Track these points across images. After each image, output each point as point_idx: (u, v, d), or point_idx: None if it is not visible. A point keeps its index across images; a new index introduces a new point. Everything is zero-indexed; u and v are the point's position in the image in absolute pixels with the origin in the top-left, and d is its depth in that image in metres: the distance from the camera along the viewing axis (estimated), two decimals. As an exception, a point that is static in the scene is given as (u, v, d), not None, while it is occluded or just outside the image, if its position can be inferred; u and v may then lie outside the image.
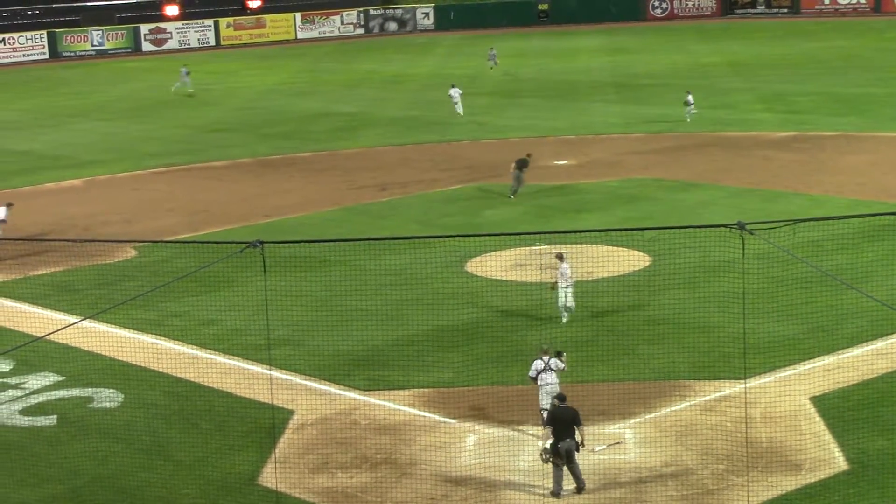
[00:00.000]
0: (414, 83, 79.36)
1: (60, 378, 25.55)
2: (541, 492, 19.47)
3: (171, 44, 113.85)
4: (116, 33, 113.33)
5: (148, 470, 21.04)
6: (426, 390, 24.01)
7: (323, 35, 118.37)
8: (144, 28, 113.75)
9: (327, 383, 24.72)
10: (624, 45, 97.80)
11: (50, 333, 23.89)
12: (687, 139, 52.47)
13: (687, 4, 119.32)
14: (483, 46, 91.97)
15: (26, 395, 24.81)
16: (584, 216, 38.26)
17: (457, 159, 50.54)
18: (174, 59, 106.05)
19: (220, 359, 26.54)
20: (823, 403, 22.32)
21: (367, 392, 24.15)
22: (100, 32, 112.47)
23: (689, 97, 56.88)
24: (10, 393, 24.93)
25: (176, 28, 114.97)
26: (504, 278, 31.20)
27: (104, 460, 21.52)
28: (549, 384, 21.50)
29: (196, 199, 44.94)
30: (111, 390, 24.72)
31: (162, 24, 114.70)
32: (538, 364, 21.70)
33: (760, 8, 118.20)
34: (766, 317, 26.15)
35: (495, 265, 32.04)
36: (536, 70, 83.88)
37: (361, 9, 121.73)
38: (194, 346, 27.40)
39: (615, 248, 31.64)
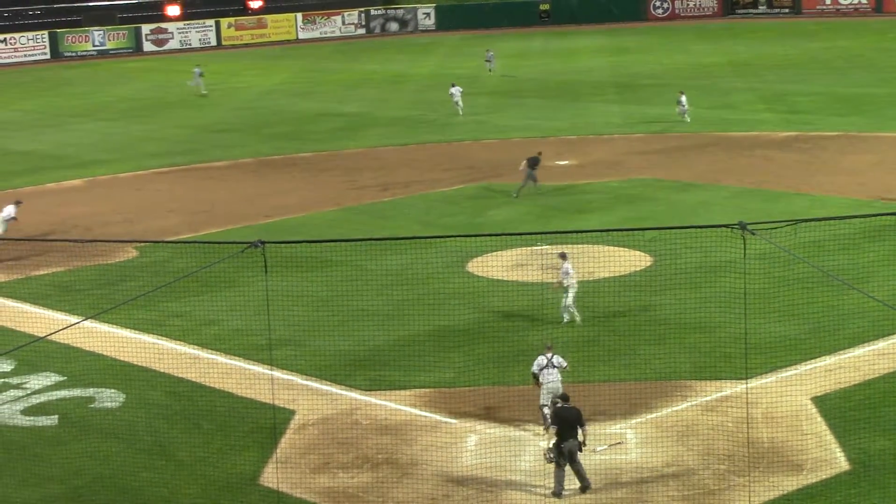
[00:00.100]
0: (415, 83, 79.37)
1: (62, 378, 25.56)
2: (542, 492, 19.47)
3: (173, 44, 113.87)
4: (118, 33, 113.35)
5: (149, 470, 21.04)
6: (427, 390, 24.01)
7: (324, 35, 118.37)
8: (146, 28, 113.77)
9: (328, 383, 24.73)
10: (625, 45, 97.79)
11: (51, 333, 23.88)
12: (688, 139, 52.47)
13: (688, 4, 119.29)
14: (484, 47, 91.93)
15: (28, 395, 24.82)
16: (585, 216, 38.26)
17: (458, 159, 50.54)
18: (176, 59, 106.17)
19: (222, 359, 26.55)
20: (825, 403, 22.32)
21: (368, 392, 24.15)
22: (101, 32, 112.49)
23: (682, 97, 56.77)
24: (12, 393, 24.94)
25: (177, 28, 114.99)
26: (505, 278, 31.20)
27: (105, 460, 21.53)
28: (551, 381, 21.56)
29: (197, 199, 44.95)
30: (112, 390, 24.73)
31: (163, 25, 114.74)
32: (541, 360, 21.76)
33: (762, 8, 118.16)
34: (767, 317, 26.15)
35: (497, 265, 32.04)
36: (537, 70, 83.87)
37: (363, 9, 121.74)
38: (196, 347, 27.40)
39: (616, 248, 31.64)
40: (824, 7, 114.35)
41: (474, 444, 21.43)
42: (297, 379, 24.93)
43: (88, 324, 26.09)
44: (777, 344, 24.97)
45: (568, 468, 19.41)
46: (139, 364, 26.21)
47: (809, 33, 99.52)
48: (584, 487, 19.38)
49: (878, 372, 23.94)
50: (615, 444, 20.89)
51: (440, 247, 32.16)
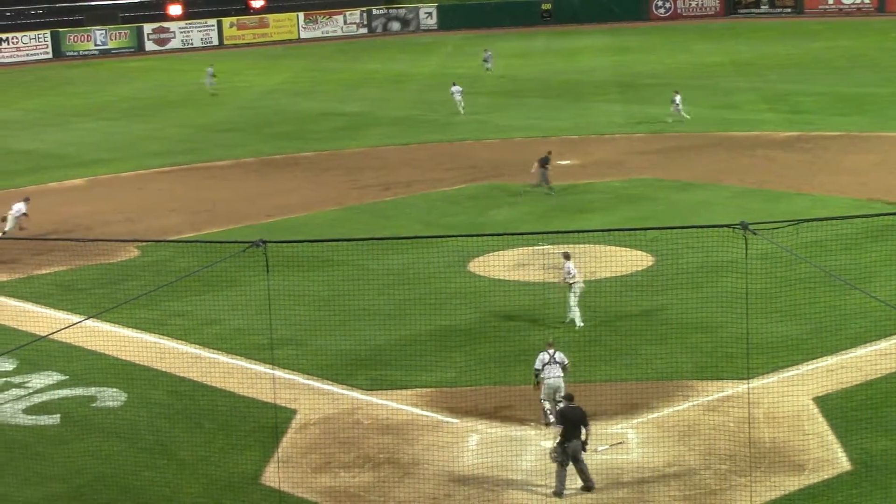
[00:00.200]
0: (417, 83, 79.37)
1: (64, 377, 25.57)
2: (543, 491, 19.47)
3: (175, 43, 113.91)
4: (120, 33, 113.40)
5: (151, 469, 21.05)
6: (429, 390, 24.01)
7: (326, 35, 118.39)
8: (148, 27, 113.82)
9: (330, 383, 24.73)
10: (627, 44, 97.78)
11: (53, 333, 23.90)
12: (690, 139, 52.46)
13: (690, 4, 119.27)
14: (487, 46, 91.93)
15: (30, 394, 24.83)
16: (587, 216, 38.25)
17: (460, 159, 50.55)
18: (177, 58, 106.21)
19: (223, 358, 26.56)
20: (826, 404, 22.31)
21: (369, 392, 24.16)
22: (103, 32, 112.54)
23: (677, 97, 56.66)
24: (14, 392, 24.95)
25: (179, 27, 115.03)
26: (507, 278, 31.20)
27: (107, 459, 21.54)
28: (553, 377, 21.64)
29: (199, 198, 44.97)
30: (114, 389, 24.74)
31: (165, 24, 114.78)
32: (544, 357, 21.82)
33: (764, 8, 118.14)
34: (769, 317, 26.14)
35: (498, 265, 32.04)
36: (539, 70, 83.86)
37: (364, 8, 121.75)
38: (197, 346, 27.41)
39: (618, 248, 31.64)
40: (827, 7, 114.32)
41: (476, 444, 21.43)
42: (299, 378, 24.93)
43: (90, 323, 26.11)
44: (779, 344, 24.97)
45: (571, 468, 19.41)
46: (141, 363, 26.22)
47: (812, 33, 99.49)
48: (588, 487, 19.38)
49: (880, 372, 23.92)
50: (616, 443, 20.89)
51: (442, 246, 32.16)
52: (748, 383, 21.81)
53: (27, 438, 22.73)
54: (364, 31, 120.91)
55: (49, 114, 72.73)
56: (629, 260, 31.06)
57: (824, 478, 19.58)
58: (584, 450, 19.40)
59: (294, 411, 23.13)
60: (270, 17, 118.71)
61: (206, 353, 26.98)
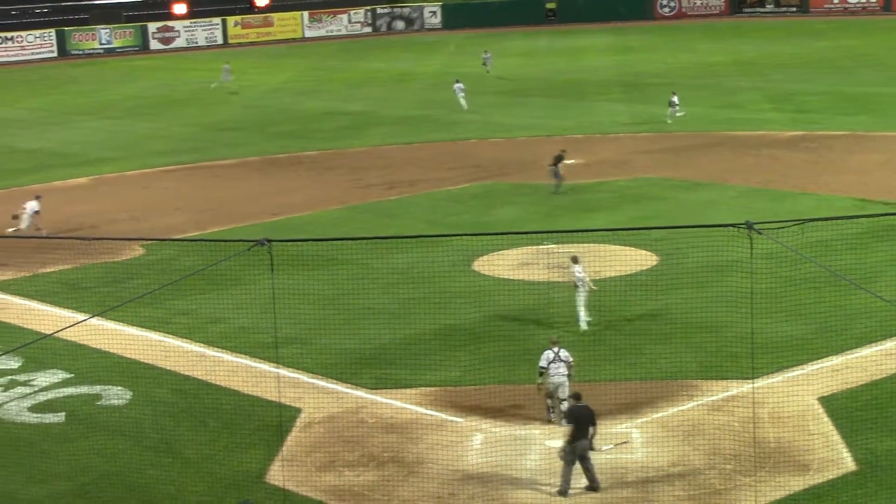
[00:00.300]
0: (421, 82, 79.36)
1: (69, 375, 25.60)
2: (548, 490, 19.47)
3: (179, 42, 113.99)
4: (124, 31, 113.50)
5: (156, 467, 21.07)
6: (433, 389, 24.02)
7: (330, 34, 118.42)
8: (152, 26, 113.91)
9: (334, 381, 24.74)
10: (632, 44, 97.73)
11: (58, 331, 23.93)
12: (695, 138, 52.42)
13: (695, 3, 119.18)
14: (491, 45, 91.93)
15: (35, 392, 24.86)
16: (591, 215, 38.23)
17: (464, 158, 50.55)
18: (182, 57, 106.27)
19: (228, 357, 26.58)
20: (832, 404, 22.29)
21: (374, 390, 24.16)
22: (108, 31, 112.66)
23: (675, 98, 56.55)
24: (19, 390, 24.98)
25: (184, 26, 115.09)
26: (512, 277, 31.19)
27: (112, 457, 21.56)
28: (558, 375, 21.71)
29: (203, 197, 45.00)
30: (119, 388, 24.77)
31: (170, 23, 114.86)
32: (549, 354, 21.86)
33: (769, 7, 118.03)
34: (774, 316, 26.11)
35: (503, 264, 32.04)
36: (543, 69, 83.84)
37: (369, 7, 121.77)
38: (202, 344, 27.43)
39: (623, 247, 31.63)
40: (832, 6, 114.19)
41: (480, 443, 21.43)
42: (303, 377, 24.94)
43: (95, 321, 26.14)
44: (784, 344, 24.94)
45: (577, 467, 19.40)
46: (146, 361, 26.24)
47: (817, 32, 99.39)
48: (593, 488, 19.37)
49: (886, 372, 23.90)
50: (621, 443, 20.88)
51: (446, 245, 32.16)
52: (753, 383, 21.80)
53: (32, 436, 22.76)
54: (368, 30, 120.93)
55: (54, 112, 72.80)
56: (634, 259, 31.03)
57: (829, 478, 19.56)
58: (592, 448, 19.40)
59: (298, 410, 23.14)
60: (275, 16, 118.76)
61: (210, 351, 27.00)
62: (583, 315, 26.85)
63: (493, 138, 55.35)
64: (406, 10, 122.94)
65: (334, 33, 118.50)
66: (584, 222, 36.73)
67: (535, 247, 32.78)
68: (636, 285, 29.56)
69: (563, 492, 19.26)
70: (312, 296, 28.69)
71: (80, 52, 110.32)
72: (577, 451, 19.30)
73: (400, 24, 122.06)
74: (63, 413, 23.69)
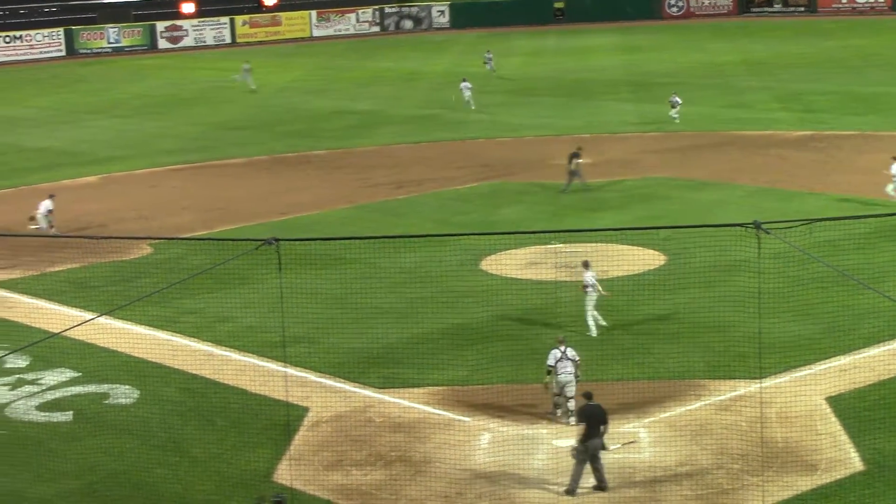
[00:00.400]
0: (429, 81, 79.34)
1: (76, 374, 25.65)
2: (555, 490, 19.46)
3: (187, 41, 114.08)
4: (133, 31, 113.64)
5: (163, 466, 21.10)
6: (441, 388, 24.02)
7: (338, 33, 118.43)
8: (160, 25, 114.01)
9: (342, 381, 24.76)
10: (639, 43, 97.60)
11: (66, 330, 23.99)
12: (703, 138, 52.37)
13: (703, 3, 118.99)
14: (499, 45, 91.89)
15: (43, 390, 24.92)
16: (599, 215, 38.20)
17: (472, 157, 50.54)
18: (190, 56, 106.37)
19: (236, 356, 26.60)
20: (839, 403, 22.26)
21: (381, 390, 24.17)
22: (116, 30, 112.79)
23: (676, 97, 56.34)
24: (27, 389, 25.03)
25: (192, 25, 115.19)
26: (519, 277, 31.18)
27: (120, 456, 21.60)
28: (566, 373, 21.77)
29: (212, 196, 45.04)
30: (127, 387, 24.81)
31: (178, 22, 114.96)
32: (556, 353, 21.87)
33: (777, 6, 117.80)
34: (781, 316, 26.06)
35: (511, 263, 32.03)
36: (551, 68, 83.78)
37: (377, 6, 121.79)
38: (209, 343, 27.46)
39: (630, 246, 31.61)
40: (840, 5, 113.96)
41: (487, 442, 21.43)
42: (311, 376, 24.96)
43: (103, 320, 26.16)
44: (791, 343, 24.90)
45: (586, 467, 19.39)
46: (153, 360, 26.27)
47: (825, 32, 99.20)
48: (600, 487, 19.35)
49: (893, 372, 23.86)
50: (628, 443, 20.86)
51: (454, 245, 32.16)
52: (760, 383, 21.78)
53: (40, 435, 22.81)
54: (376, 29, 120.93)
55: (62, 111, 72.93)
56: (641, 259, 31.02)
57: (837, 478, 19.54)
58: (604, 448, 19.38)
59: (306, 409, 23.16)
60: (283, 16, 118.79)
61: (218, 350, 27.03)
62: (591, 321, 26.62)
63: (501, 138, 55.33)
64: (414, 10, 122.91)
65: (342, 32, 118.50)
66: (592, 222, 36.70)
67: (542, 246, 32.76)
68: (644, 285, 29.54)
69: (571, 491, 19.25)
70: (320, 295, 28.71)
71: (89, 52, 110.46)
72: (589, 449, 19.28)
73: (408, 24, 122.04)
74: (71, 412, 23.74)
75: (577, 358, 22.04)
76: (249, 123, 64.03)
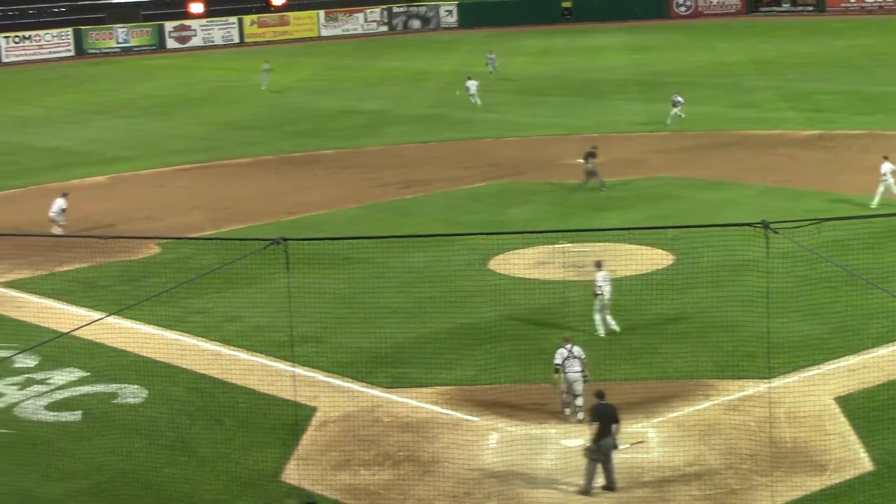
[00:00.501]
0: (437, 81, 79.33)
1: (85, 374, 25.68)
2: (564, 490, 19.44)
3: (196, 41, 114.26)
4: (141, 31, 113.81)
5: (171, 466, 21.12)
6: (449, 388, 24.01)
7: (346, 32, 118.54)
8: (169, 25, 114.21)
9: (350, 380, 24.76)
10: (648, 43, 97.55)
11: (75, 329, 24.02)
12: (711, 138, 52.31)
13: (711, 2, 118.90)
14: (506, 44, 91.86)
15: (52, 390, 24.95)
16: (607, 214, 38.18)
17: (480, 157, 50.53)
18: (198, 56, 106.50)
19: (244, 355, 26.62)
20: (848, 403, 22.21)
21: (389, 389, 24.17)
22: (125, 30, 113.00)
23: (678, 97, 56.17)
24: (36, 388, 25.07)
25: (200, 25, 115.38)
26: (527, 276, 31.17)
27: (128, 456, 21.62)
28: (573, 372, 21.82)
29: (219, 195, 45.08)
30: (135, 386, 24.84)
31: (186, 22, 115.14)
32: (563, 352, 21.90)
33: (786, 6, 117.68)
34: (790, 316, 26.01)
35: (519, 263, 32.01)
36: (560, 68, 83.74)
37: (385, 6, 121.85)
38: (218, 343, 27.49)
39: (639, 246, 31.57)
40: (848, 5, 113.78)
41: (496, 442, 21.42)
42: (319, 376, 24.97)
43: (111, 320, 26.20)
44: (800, 343, 24.86)
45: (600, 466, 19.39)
46: (161, 360, 26.30)
47: (833, 31, 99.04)
48: (609, 487, 19.32)
49: (902, 372, 23.80)
50: (636, 442, 20.83)
51: (462, 244, 32.15)
52: (769, 382, 21.74)
53: (49, 435, 22.84)
54: (384, 28, 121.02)
55: (71, 111, 73.07)
56: (650, 258, 30.98)
57: (846, 478, 19.49)
58: (616, 447, 19.35)
59: (314, 409, 23.17)
60: (291, 15, 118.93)
61: (226, 350, 27.06)
62: (599, 322, 26.52)
63: (509, 137, 55.32)
64: (422, 9, 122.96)
65: (350, 32, 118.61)
66: (600, 221, 36.68)
67: (550, 246, 32.73)
68: (652, 284, 29.50)
69: (586, 491, 19.18)
70: (328, 294, 28.72)
71: (98, 52, 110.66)
72: (602, 449, 19.26)
73: (416, 23, 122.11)
74: (79, 411, 23.77)
75: (583, 356, 22.06)
76: (257, 123, 64.09)
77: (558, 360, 22.04)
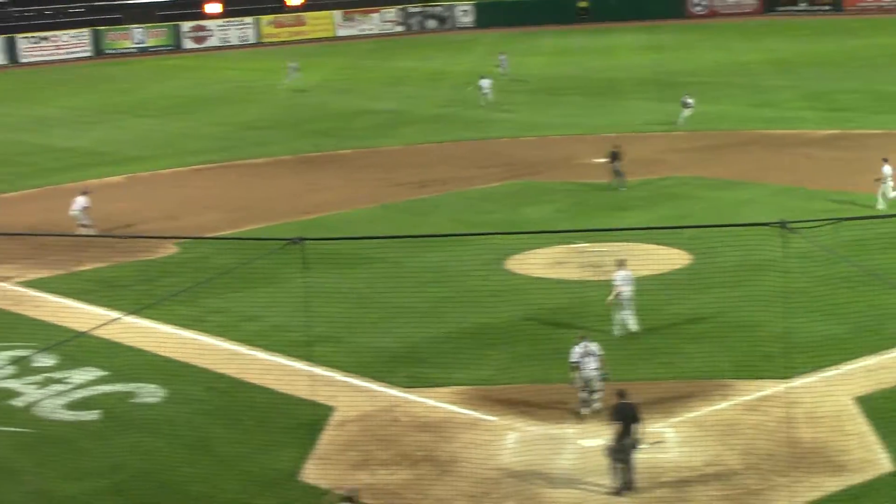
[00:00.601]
0: (453, 80, 79.31)
1: (104, 373, 25.76)
2: (582, 490, 19.42)
3: (212, 41, 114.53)
4: (158, 31, 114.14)
5: (190, 465, 21.17)
6: (467, 388, 24.01)
7: (363, 32, 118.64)
8: (185, 26, 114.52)
9: (368, 380, 24.77)
10: (665, 42, 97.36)
11: (94, 329, 24.11)
12: (728, 137, 52.19)
13: (728, 2, 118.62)
14: (523, 44, 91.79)
15: (70, 389, 25.04)
16: (624, 214, 38.11)
17: (496, 157, 50.52)
18: (215, 56, 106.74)
19: (262, 355, 26.67)
20: (868, 404, 22.13)
21: (407, 389, 24.18)
22: (141, 30, 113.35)
23: (688, 99, 55.90)
24: (55, 388, 25.17)
25: (217, 25, 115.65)
26: (544, 276, 31.14)
27: (147, 455, 21.68)
28: (590, 369, 21.87)
29: (237, 195, 45.17)
30: (153, 385, 24.91)
31: (203, 22, 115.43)
32: (578, 350, 21.89)
33: (802, 5, 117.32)
34: (808, 316, 25.92)
35: (536, 263, 31.99)
36: (576, 68, 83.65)
37: (401, 6, 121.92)
38: (236, 342, 27.54)
39: (656, 246, 31.52)
40: (865, 4, 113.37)
41: (514, 442, 21.41)
42: (337, 375, 24.99)
43: (130, 319, 26.28)
44: (819, 343, 24.76)
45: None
46: (180, 359, 26.36)
47: (851, 30, 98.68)
48: (628, 487, 19.28)
49: (922, 372, 23.71)
50: (655, 442, 20.79)
51: (479, 244, 32.14)
52: (788, 383, 21.68)
53: (68, 434, 22.93)
54: (400, 28, 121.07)
55: (89, 111, 73.31)
56: (667, 258, 30.93)
57: (866, 479, 19.43)
58: (636, 446, 19.32)
59: (332, 408, 23.19)
60: (307, 15, 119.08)
61: (244, 349, 27.10)
62: (616, 321, 26.47)
63: (526, 137, 55.28)
64: (438, 9, 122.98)
65: (367, 32, 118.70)
66: (617, 221, 36.62)
67: (567, 245, 32.70)
68: (669, 284, 29.46)
69: (618, 491, 19.10)
70: (345, 294, 28.77)
71: (115, 52, 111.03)
72: (625, 448, 19.23)
73: (432, 23, 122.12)
74: (98, 410, 23.85)
75: (600, 352, 22.05)
76: (274, 123, 64.20)
77: (574, 358, 22.07)
